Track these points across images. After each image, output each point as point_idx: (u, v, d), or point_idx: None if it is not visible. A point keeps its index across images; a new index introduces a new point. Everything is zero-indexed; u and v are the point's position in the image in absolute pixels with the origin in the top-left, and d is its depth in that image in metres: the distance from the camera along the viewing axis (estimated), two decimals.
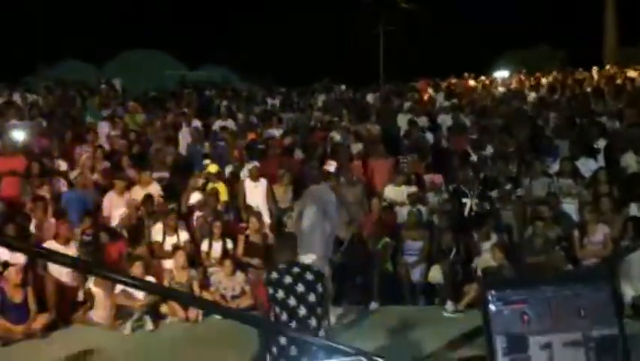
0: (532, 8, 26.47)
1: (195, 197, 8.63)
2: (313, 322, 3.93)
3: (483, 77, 19.49)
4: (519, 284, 1.71)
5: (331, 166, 7.35)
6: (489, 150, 10.08)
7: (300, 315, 3.90)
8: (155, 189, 8.73)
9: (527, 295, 1.61)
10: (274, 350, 3.89)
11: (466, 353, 1.64)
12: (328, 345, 1.61)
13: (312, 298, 3.95)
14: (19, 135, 10.11)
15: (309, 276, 4.03)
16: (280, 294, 3.92)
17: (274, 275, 4.03)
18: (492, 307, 1.62)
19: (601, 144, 9.89)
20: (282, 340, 3.88)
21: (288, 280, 3.96)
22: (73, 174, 9.10)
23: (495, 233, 7.67)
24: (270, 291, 3.97)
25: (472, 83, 18.75)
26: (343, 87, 16.99)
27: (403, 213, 8.59)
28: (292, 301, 3.91)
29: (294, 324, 3.89)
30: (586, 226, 7.54)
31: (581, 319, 1.61)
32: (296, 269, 4.06)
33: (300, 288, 3.95)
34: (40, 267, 7.26)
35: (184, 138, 11.16)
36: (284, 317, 3.90)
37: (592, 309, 1.59)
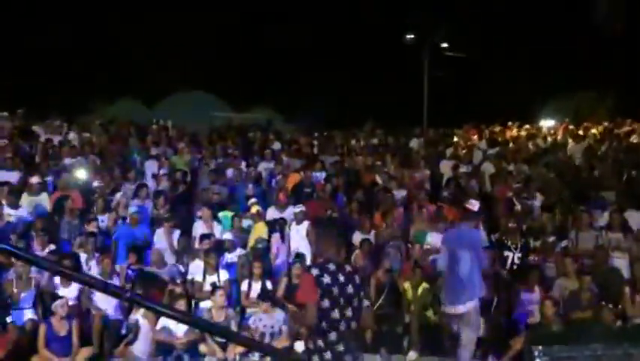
0: (581, 54, 26.23)
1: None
2: (349, 312, 3.91)
3: (527, 126, 19.26)
4: (566, 340, 1.70)
5: (475, 205, 7.05)
6: (538, 199, 9.92)
7: (340, 302, 3.89)
8: (216, 228, 8.99)
9: (576, 352, 1.59)
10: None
11: None
12: None
13: (350, 289, 3.95)
14: (75, 173, 10.57)
15: (347, 269, 4.05)
16: (326, 279, 3.91)
17: (318, 263, 4.10)
18: None
19: None
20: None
21: (332, 267, 3.99)
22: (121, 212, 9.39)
23: (539, 286, 7.47)
24: (315, 272, 3.95)
25: (515, 132, 18.54)
26: (390, 139, 16.92)
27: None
28: (335, 290, 3.91)
29: (336, 313, 3.88)
30: (637, 282, 7.26)
31: None
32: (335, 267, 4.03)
33: (341, 278, 3.95)
34: (87, 300, 7.48)
35: (229, 178, 11.42)
36: (326, 303, 3.87)
37: None
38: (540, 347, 1.37)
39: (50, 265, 1.86)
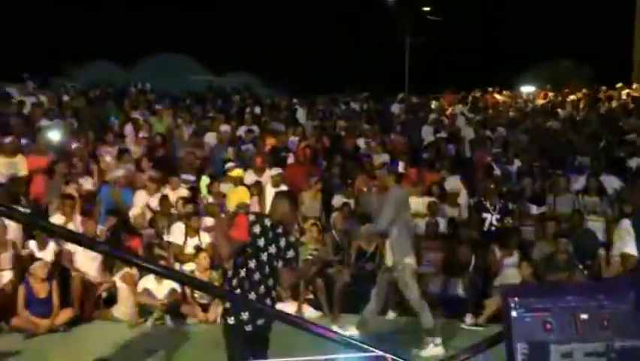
0: (560, 22, 26.31)
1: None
2: (267, 269, 4.17)
3: (506, 92, 19.41)
4: (542, 293, 1.72)
5: (400, 167, 7.22)
6: (516, 164, 10.05)
7: (260, 258, 4.16)
8: (183, 193, 8.87)
9: (551, 303, 1.62)
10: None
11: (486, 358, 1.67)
12: (354, 344, 1.65)
13: (272, 249, 4.18)
14: (50, 135, 10.35)
15: (278, 230, 4.26)
16: (257, 229, 4.17)
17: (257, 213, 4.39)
18: (514, 313, 1.64)
19: (633, 162, 9.78)
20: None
21: (267, 222, 4.22)
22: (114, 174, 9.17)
23: (518, 249, 7.61)
24: (251, 218, 4.24)
25: (498, 96, 18.67)
26: (365, 94, 17.05)
27: (421, 224, 8.60)
28: (261, 241, 4.16)
29: (252, 263, 4.13)
30: (612, 244, 7.45)
31: (604, 330, 1.61)
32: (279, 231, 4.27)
33: (270, 234, 4.20)
34: (66, 262, 7.44)
35: (209, 142, 11.32)
36: (251, 264, 4.13)
37: (616, 320, 1.60)
38: (516, 299, 1.40)
39: (25, 217, 1.81)
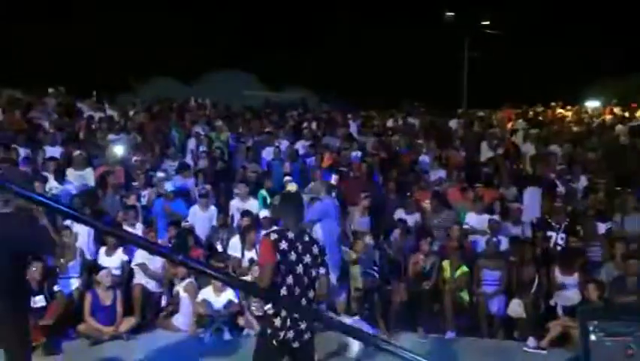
0: (627, 35, 25.31)
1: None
2: (306, 280, 4.14)
3: (570, 107, 18.79)
4: (622, 316, 1.64)
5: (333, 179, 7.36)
6: (582, 181, 9.68)
7: (296, 271, 4.12)
8: (249, 206, 9.01)
9: (632, 327, 1.54)
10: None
11: None
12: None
13: (307, 259, 4.17)
14: (116, 148, 10.77)
15: (305, 239, 4.26)
16: (283, 245, 4.12)
17: (277, 229, 4.36)
18: (593, 337, 1.57)
19: None
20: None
21: (290, 235, 4.18)
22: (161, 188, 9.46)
23: (580, 270, 7.30)
24: (274, 237, 4.15)
25: (561, 111, 18.11)
26: (423, 109, 16.94)
27: (481, 242, 8.39)
28: (292, 256, 4.13)
29: (290, 278, 4.10)
30: None
31: None
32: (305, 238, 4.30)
33: (299, 247, 4.18)
34: (128, 272, 7.68)
35: (267, 157, 11.48)
36: (282, 269, 4.08)
37: None
38: (595, 322, 1.33)
39: (108, 228, 1.87)
